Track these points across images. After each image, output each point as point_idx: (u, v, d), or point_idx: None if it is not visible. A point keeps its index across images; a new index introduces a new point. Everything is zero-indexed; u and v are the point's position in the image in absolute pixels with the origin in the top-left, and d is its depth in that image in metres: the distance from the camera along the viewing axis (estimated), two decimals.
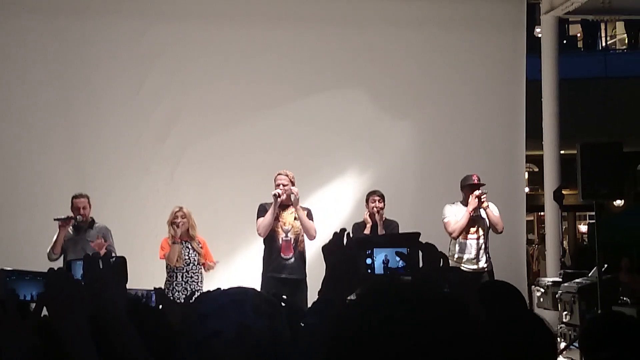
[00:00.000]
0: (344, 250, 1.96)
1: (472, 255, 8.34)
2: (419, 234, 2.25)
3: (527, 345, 2.13)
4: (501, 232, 8.57)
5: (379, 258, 2.12)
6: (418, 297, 1.27)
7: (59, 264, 7.91)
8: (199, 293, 6.68)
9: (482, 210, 8.40)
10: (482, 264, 8.35)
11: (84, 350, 1.93)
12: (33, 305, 2.49)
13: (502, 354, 1.40)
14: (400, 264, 2.14)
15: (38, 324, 2.33)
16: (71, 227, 8.15)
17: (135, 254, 8.48)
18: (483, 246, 8.40)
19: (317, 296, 2.15)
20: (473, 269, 8.27)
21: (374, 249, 2.10)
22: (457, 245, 8.37)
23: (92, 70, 10.00)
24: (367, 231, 8.35)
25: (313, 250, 8.20)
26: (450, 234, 8.38)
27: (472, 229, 8.37)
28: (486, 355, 1.26)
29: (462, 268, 8.21)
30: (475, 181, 8.41)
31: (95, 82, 10.00)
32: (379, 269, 2.11)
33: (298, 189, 8.08)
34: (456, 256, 8.35)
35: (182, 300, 7.80)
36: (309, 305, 2.32)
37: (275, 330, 1.84)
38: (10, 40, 9.92)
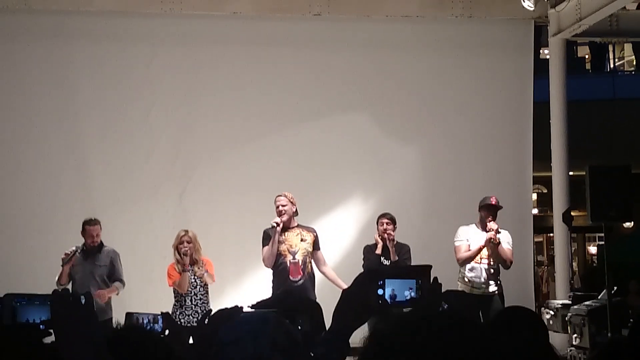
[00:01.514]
0: (355, 282, 1.97)
1: (482, 280, 8.28)
2: (430, 267, 2.26)
3: None
4: (509, 268, 8.52)
5: (390, 289, 2.13)
6: (440, 327, 1.28)
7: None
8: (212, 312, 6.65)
9: (498, 235, 8.34)
10: (492, 287, 8.30)
11: None
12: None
13: None
14: (409, 296, 2.15)
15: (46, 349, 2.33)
16: (79, 252, 8.15)
17: (144, 276, 8.56)
18: (493, 271, 8.34)
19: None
20: (482, 293, 8.23)
21: (385, 280, 2.11)
22: (467, 268, 8.33)
23: (101, 94, 10.07)
24: (378, 251, 8.34)
25: (320, 274, 8.22)
26: (457, 260, 8.37)
27: (484, 254, 8.33)
28: None
29: (472, 292, 8.16)
30: (493, 202, 8.36)
31: (105, 105, 10.07)
32: (390, 299, 2.12)
33: (298, 211, 8.07)
34: (466, 279, 8.31)
35: (194, 323, 7.82)
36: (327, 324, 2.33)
37: None
38: (20, 67, 9.99)
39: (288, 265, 7.89)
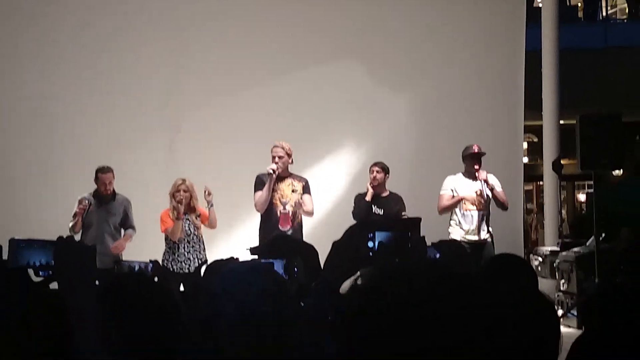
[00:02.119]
0: (345, 233, 2.00)
1: (474, 227, 8.31)
2: (420, 219, 2.29)
3: (529, 327, 2.16)
4: (507, 209, 8.59)
5: (380, 240, 2.15)
6: (424, 276, 1.30)
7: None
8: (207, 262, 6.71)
9: (486, 188, 8.36)
10: (483, 235, 8.34)
11: (89, 318, 1.96)
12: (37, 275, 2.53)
13: (503, 329, 1.44)
14: (402, 245, 2.18)
15: (46, 293, 2.36)
16: (91, 199, 8.18)
17: (135, 224, 8.57)
18: (484, 218, 8.38)
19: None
20: (474, 240, 8.26)
21: (376, 232, 2.13)
22: (457, 216, 8.36)
23: (89, 39, 9.98)
24: (368, 198, 8.37)
25: (310, 223, 8.26)
26: (438, 208, 8.40)
27: (474, 201, 8.36)
28: (490, 332, 1.29)
29: (463, 239, 8.21)
30: (476, 150, 8.38)
31: (93, 51, 9.98)
32: (380, 251, 2.15)
33: (294, 161, 8.06)
34: (457, 227, 8.34)
35: (186, 271, 7.88)
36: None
37: (279, 314, 1.87)
38: (11, 8, 9.90)
39: (278, 215, 7.91)
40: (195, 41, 10.20)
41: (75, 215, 8.09)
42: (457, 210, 8.37)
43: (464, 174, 8.49)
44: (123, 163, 9.72)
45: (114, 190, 8.30)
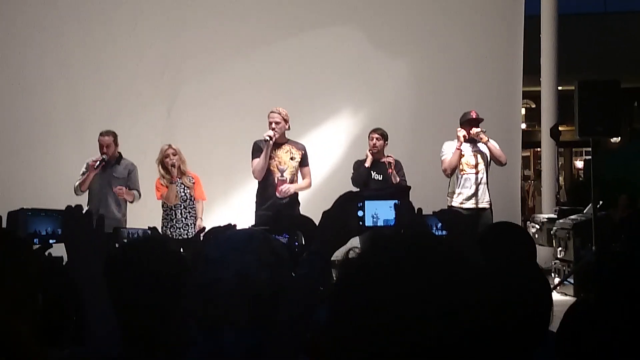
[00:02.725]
0: (335, 203, 1.99)
1: (472, 191, 8.20)
2: (409, 187, 2.28)
3: (523, 297, 2.16)
4: (505, 164, 8.51)
5: (369, 211, 2.14)
6: (416, 248, 1.29)
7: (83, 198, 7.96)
8: (204, 227, 6.72)
9: (482, 145, 8.29)
10: (484, 201, 8.26)
11: (97, 289, 1.96)
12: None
13: (498, 301, 1.42)
14: (391, 216, 2.17)
15: (53, 264, 2.35)
16: (99, 162, 8.15)
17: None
18: (483, 181, 8.28)
19: None
20: (473, 207, 8.19)
21: (365, 202, 2.12)
22: (456, 181, 8.28)
23: (85, 10, 9.91)
24: (367, 164, 8.33)
25: (306, 191, 8.23)
26: (444, 171, 8.33)
27: (471, 163, 8.26)
28: (481, 301, 1.28)
29: (462, 206, 8.15)
30: (474, 116, 8.29)
31: (89, 20, 9.92)
32: (369, 220, 2.14)
33: (292, 126, 8.00)
34: (456, 193, 8.27)
35: (185, 236, 7.88)
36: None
37: (275, 281, 1.87)
38: None
39: (275, 181, 7.86)
40: (191, 10, 10.13)
41: (84, 173, 8.07)
42: (456, 175, 8.27)
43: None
44: (121, 132, 9.68)
45: (120, 155, 8.26)
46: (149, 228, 3.92)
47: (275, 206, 7.77)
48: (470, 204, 8.14)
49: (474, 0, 10.57)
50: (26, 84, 9.83)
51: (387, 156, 8.31)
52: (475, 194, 8.18)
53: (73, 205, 2.07)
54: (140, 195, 8.27)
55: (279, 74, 10.16)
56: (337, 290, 1.29)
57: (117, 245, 3.17)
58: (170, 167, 7.97)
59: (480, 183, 8.21)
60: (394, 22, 10.43)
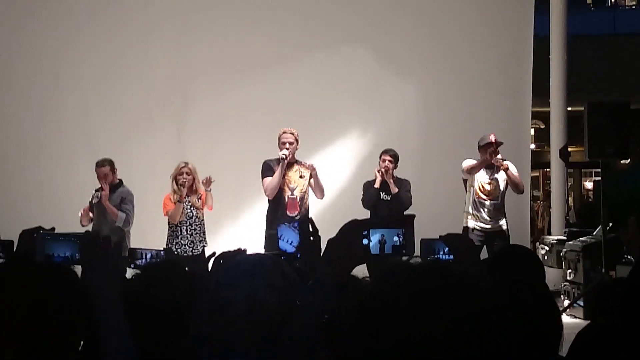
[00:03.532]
0: (340, 231, 1.99)
1: (487, 216, 8.18)
2: (414, 216, 2.29)
3: (532, 321, 2.15)
4: (523, 192, 8.51)
5: (374, 239, 2.15)
6: (422, 277, 1.29)
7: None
8: (215, 251, 6.66)
9: (500, 173, 8.27)
10: (499, 224, 8.22)
11: (114, 313, 1.96)
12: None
13: (506, 325, 1.42)
14: (397, 243, 2.17)
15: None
16: (98, 191, 8.19)
17: (142, 211, 8.56)
18: (497, 207, 8.25)
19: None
20: (488, 229, 8.16)
21: (370, 230, 2.13)
22: (473, 204, 8.24)
23: (97, 24, 9.97)
24: (376, 185, 8.31)
25: (317, 209, 8.24)
26: (466, 169, 8.20)
27: (487, 189, 8.23)
28: (490, 325, 1.28)
29: (477, 226, 8.14)
30: (493, 140, 8.22)
31: (101, 36, 9.98)
32: (374, 249, 2.15)
33: (301, 147, 8.02)
34: (471, 214, 8.25)
35: (189, 253, 7.87)
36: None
37: (285, 305, 1.88)
38: (20, 7, 9.91)
39: (286, 200, 7.89)
40: (202, 29, 10.18)
41: (91, 202, 8.14)
42: (471, 198, 8.24)
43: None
44: (132, 153, 9.74)
45: (120, 182, 8.25)
46: (164, 249, 3.93)
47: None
48: (485, 226, 8.13)
49: (483, 22, 10.59)
50: (38, 102, 9.88)
51: (383, 168, 8.27)
52: (490, 218, 8.17)
53: (91, 230, 2.08)
54: (128, 219, 8.10)
55: (288, 94, 10.18)
56: (342, 320, 1.30)
57: (131, 265, 3.18)
58: (179, 186, 7.97)
59: (494, 209, 8.20)
60: (403, 42, 10.45)
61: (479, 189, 8.24)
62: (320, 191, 8.02)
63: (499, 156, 8.22)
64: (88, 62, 9.95)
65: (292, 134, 7.87)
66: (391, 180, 8.24)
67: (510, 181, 8.26)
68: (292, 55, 10.30)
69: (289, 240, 2.41)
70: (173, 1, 10.17)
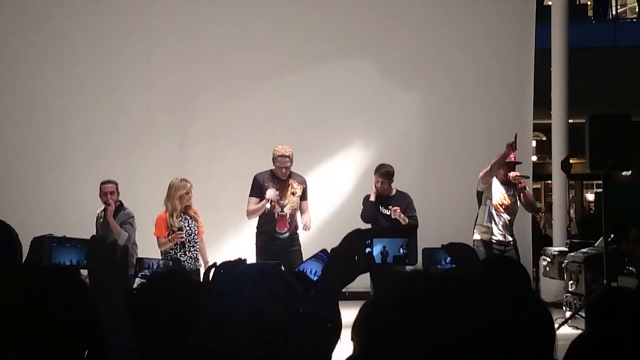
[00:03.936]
0: (343, 241, 2.02)
1: (500, 228, 8.23)
2: (416, 226, 2.32)
3: (525, 326, 2.17)
4: (537, 212, 8.52)
5: (377, 248, 2.17)
6: (432, 287, 1.31)
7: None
8: (215, 262, 6.59)
9: (517, 194, 8.30)
10: (509, 238, 8.25)
11: (120, 319, 1.97)
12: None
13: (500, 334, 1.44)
14: (400, 252, 2.19)
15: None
16: (102, 211, 8.25)
17: (144, 223, 8.56)
18: (512, 223, 8.28)
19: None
20: (500, 241, 8.19)
21: (373, 239, 2.15)
22: (489, 216, 8.21)
23: (101, 38, 10.02)
24: (372, 199, 8.26)
25: (319, 220, 8.25)
26: (486, 173, 8.14)
27: (506, 204, 8.24)
28: (488, 335, 1.30)
29: (493, 239, 8.15)
30: (512, 159, 8.31)
31: (104, 50, 10.03)
32: (377, 258, 2.17)
33: (300, 158, 8.00)
34: (486, 226, 8.23)
35: (189, 269, 7.83)
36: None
37: (288, 313, 1.89)
38: (18, 8, 9.94)
39: (276, 216, 7.86)
40: (204, 43, 10.23)
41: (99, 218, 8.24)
42: (486, 211, 8.23)
43: (497, 179, 8.32)
44: (134, 163, 9.78)
45: (121, 204, 8.26)
46: (172, 259, 3.95)
47: (274, 240, 7.79)
48: (498, 239, 8.16)
49: (484, 35, 10.63)
50: (42, 115, 9.93)
51: (394, 209, 8.17)
52: (503, 231, 8.20)
53: (97, 235, 2.10)
54: (130, 238, 8.08)
55: (290, 107, 10.22)
56: (357, 331, 1.32)
57: (139, 275, 3.19)
58: (183, 205, 7.76)
59: (509, 224, 8.25)
60: (405, 55, 10.49)
61: (499, 202, 8.22)
62: (302, 210, 7.97)
63: (517, 173, 8.24)
64: (91, 75, 10.00)
65: (289, 157, 7.81)
66: (401, 216, 8.07)
67: (526, 200, 8.32)
68: (294, 67, 10.34)
69: (312, 271, 2.42)
70: (176, 15, 10.21)
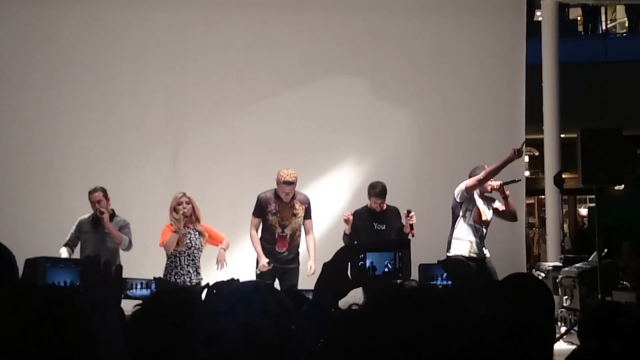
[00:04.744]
0: (336, 255, 2.01)
1: (479, 241, 8.12)
2: (409, 240, 2.31)
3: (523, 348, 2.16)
4: (516, 221, 8.55)
5: (370, 261, 2.16)
6: (423, 306, 1.30)
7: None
8: (208, 282, 6.63)
9: (496, 203, 8.27)
10: (485, 252, 8.18)
11: (113, 339, 1.96)
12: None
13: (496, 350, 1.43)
14: (387, 268, 2.19)
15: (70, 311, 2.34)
16: (89, 221, 8.15)
17: (137, 241, 8.55)
18: (486, 235, 8.22)
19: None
20: (476, 256, 8.02)
21: (367, 253, 2.15)
22: (470, 229, 8.08)
23: (92, 59, 10.01)
24: (347, 231, 8.20)
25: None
26: (465, 188, 8.01)
27: (485, 219, 8.19)
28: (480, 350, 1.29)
29: (471, 254, 8.00)
30: (495, 188, 8.27)
31: (96, 70, 10.02)
32: (370, 272, 2.16)
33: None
34: (467, 240, 8.08)
35: (188, 284, 7.84)
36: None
37: (282, 331, 1.88)
38: (10, 30, 9.93)
39: (276, 237, 7.95)
40: (198, 55, 10.23)
41: (73, 233, 8.13)
42: (466, 223, 8.13)
43: (476, 192, 8.26)
44: (127, 179, 9.74)
45: (113, 212, 8.23)
46: (155, 279, 3.90)
47: (274, 259, 7.86)
48: (474, 254, 8.06)
49: (475, 51, 10.66)
50: (36, 133, 9.88)
51: (409, 218, 8.13)
52: (480, 243, 8.13)
53: (92, 256, 2.08)
54: (130, 243, 8.16)
55: (282, 126, 10.22)
56: (336, 344, 1.31)
57: (122, 296, 3.16)
58: (180, 215, 7.88)
59: (486, 237, 8.19)
60: (397, 73, 10.51)
61: (480, 215, 8.15)
62: (306, 230, 8.07)
63: (500, 183, 8.19)
64: (82, 94, 9.98)
65: (293, 182, 7.83)
66: (413, 232, 8.02)
67: (508, 211, 8.26)
68: (286, 87, 10.35)
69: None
70: (170, 35, 10.21)
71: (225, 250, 8.19)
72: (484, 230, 8.15)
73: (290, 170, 7.91)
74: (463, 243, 8.09)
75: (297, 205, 8.01)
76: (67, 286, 2.44)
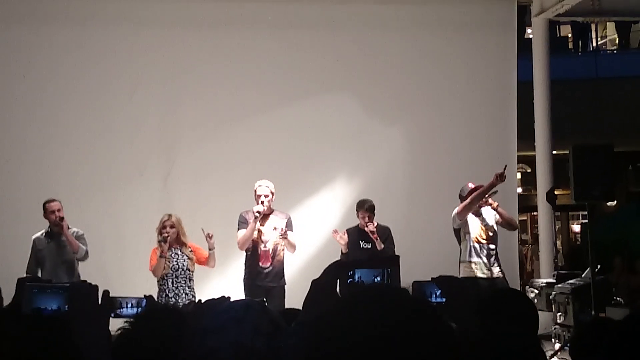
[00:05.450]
0: (324, 272, 2.00)
1: (486, 260, 8.17)
2: (398, 257, 2.31)
3: None
4: (517, 228, 8.55)
5: (360, 278, 2.16)
6: (388, 308, 1.30)
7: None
8: (200, 299, 6.60)
9: (490, 217, 8.27)
10: (497, 270, 8.18)
11: None
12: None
13: None
14: (375, 281, 2.19)
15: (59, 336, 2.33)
16: (44, 235, 8.12)
17: (129, 261, 8.54)
18: (494, 252, 8.23)
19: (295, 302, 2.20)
20: (487, 275, 8.08)
21: (355, 270, 2.15)
22: (473, 251, 8.16)
23: (84, 76, 10.01)
24: (344, 250, 8.33)
25: (303, 256, 8.23)
26: (456, 214, 8.12)
27: (484, 236, 8.21)
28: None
29: (478, 274, 8.04)
30: (473, 186, 8.30)
31: (87, 88, 10.01)
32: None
33: (284, 193, 8.07)
34: (470, 261, 8.14)
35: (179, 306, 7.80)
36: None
37: (273, 349, 1.87)
38: (1, 47, 9.92)
39: (259, 252, 8.00)
40: (189, 74, 10.24)
41: (34, 248, 8.11)
42: (468, 246, 8.17)
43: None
44: (118, 199, 9.71)
45: (67, 226, 8.19)
46: (145, 296, 3.87)
47: (260, 275, 7.91)
48: (485, 274, 8.08)
49: (466, 68, 10.70)
50: (28, 151, 9.85)
51: (367, 224, 8.27)
52: (488, 263, 8.14)
53: (78, 281, 2.07)
54: (87, 254, 8.10)
55: (275, 143, 10.22)
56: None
57: (112, 315, 3.13)
58: (162, 239, 7.88)
59: (495, 254, 8.20)
60: (387, 90, 10.53)
61: (478, 235, 8.18)
62: (291, 246, 8.06)
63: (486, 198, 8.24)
64: (73, 112, 9.96)
65: (268, 187, 8.00)
66: (376, 237, 8.21)
67: (503, 220, 8.31)
68: (278, 104, 10.36)
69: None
70: (162, 52, 10.22)
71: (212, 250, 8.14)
72: (491, 246, 8.18)
73: (265, 180, 8.08)
74: (468, 265, 8.19)
75: (276, 220, 8.07)
76: (54, 311, 2.43)
